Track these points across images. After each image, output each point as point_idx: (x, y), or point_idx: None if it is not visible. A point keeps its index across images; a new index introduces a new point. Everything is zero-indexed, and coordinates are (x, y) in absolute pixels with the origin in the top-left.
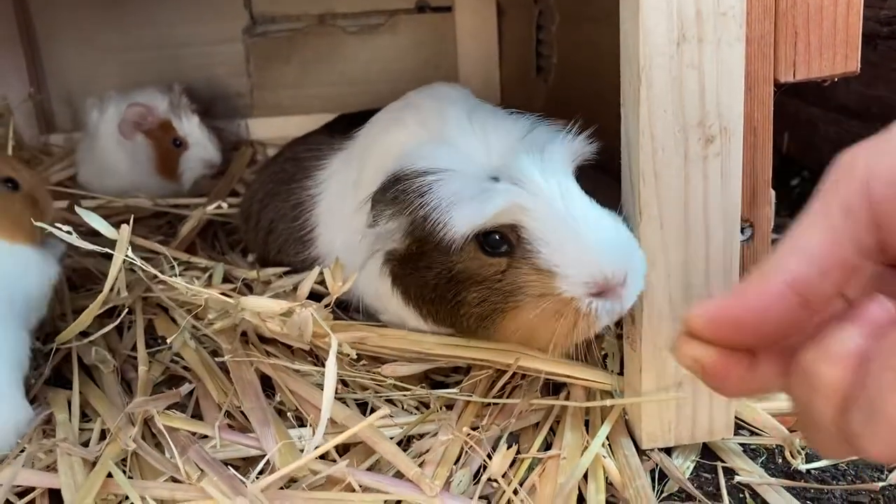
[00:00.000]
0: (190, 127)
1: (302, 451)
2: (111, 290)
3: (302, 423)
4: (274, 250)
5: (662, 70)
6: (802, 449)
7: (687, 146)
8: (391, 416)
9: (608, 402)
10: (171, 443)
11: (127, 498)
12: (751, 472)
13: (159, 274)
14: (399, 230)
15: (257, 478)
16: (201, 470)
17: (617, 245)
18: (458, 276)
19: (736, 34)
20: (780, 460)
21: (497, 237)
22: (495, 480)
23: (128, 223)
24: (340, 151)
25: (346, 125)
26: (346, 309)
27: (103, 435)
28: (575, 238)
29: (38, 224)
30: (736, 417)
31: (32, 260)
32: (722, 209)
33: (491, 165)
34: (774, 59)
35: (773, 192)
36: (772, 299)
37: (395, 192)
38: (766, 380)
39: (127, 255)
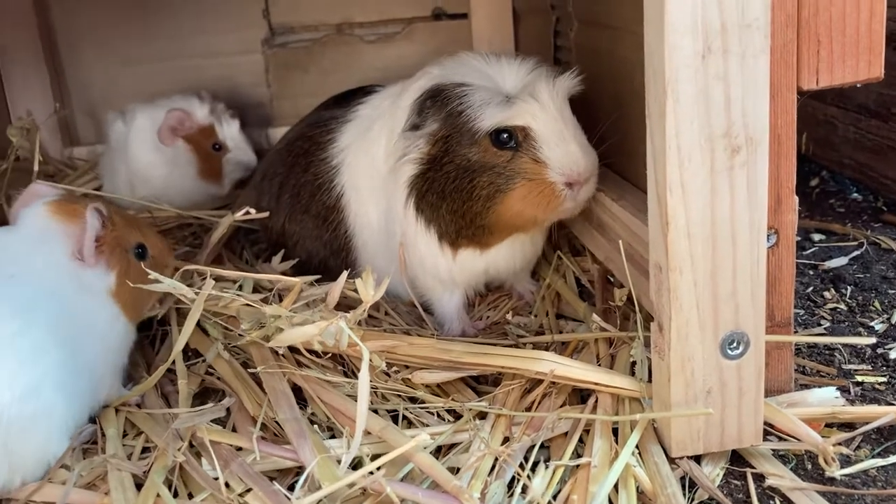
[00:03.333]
0: (230, 131)
1: (339, 462)
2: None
3: (333, 433)
4: (296, 220)
5: (688, 83)
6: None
7: (713, 157)
8: (430, 437)
9: (637, 416)
10: (214, 457)
11: None
12: (781, 477)
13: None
14: (430, 135)
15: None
16: (245, 484)
17: (588, 156)
18: (473, 164)
19: (761, 45)
20: (810, 466)
21: (506, 135)
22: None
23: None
24: (349, 123)
25: (341, 101)
26: None
27: (144, 449)
28: (565, 144)
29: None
30: (765, 423)
31: (130, 331)
32: (748, 218)
33: (506, 89)
34: (797, 67)
35: (796, 199)
36: None
37: (440, 98)
38: None
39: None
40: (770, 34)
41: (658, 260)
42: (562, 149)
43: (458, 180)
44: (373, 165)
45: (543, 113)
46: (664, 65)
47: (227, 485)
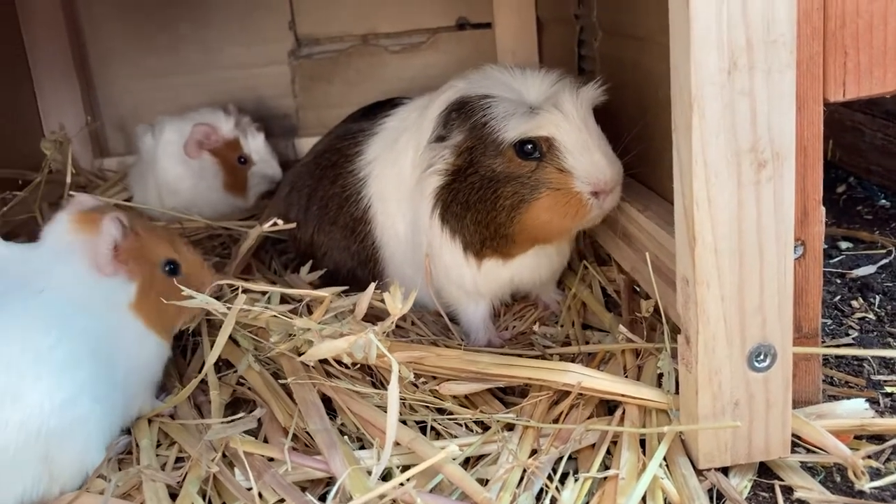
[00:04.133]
0: (255, 144)
1: (369, 473)
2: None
3: (363, 443)
4: (324, 231)
5: (714, 98)
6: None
7: (740, 171)
8: (459, 448)
9: (665, 429)
10: (248, 467)
11: None
12: (810, 490)
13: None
14: (455, 146)
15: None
16: (277, 494)
17: (613, 165)
18: (498, 175)
19: (786, 61)
20: (839, 478)
21: (531, 146)
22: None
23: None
24: (376, 136)
25: (364, 115)
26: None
27: (178, 459)
28: (590, 153)
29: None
30: (793, 435)
31: (161, 348)
32: (775, 232)
33: (530, 100)
34: (824, 79)
35: (823, 210)
36: None
37: (465, 109)
38: None
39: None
40: (796, 48)
41: (685, 273)
42: (587, 158)
43: (483, 191)
44: (399, 177)
45: (567, 123)
46: (690, 81)
47: (260, 495)
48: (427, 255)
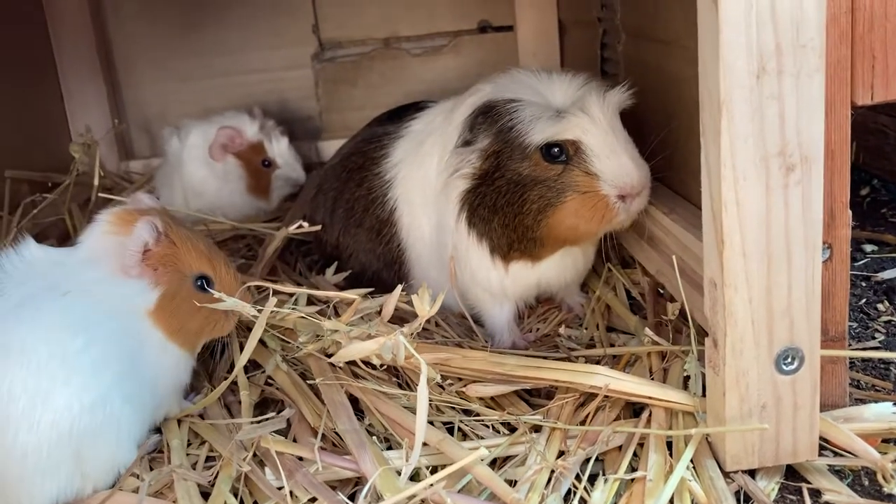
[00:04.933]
0: (279, 148)
1: (398, 473)
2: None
3: (390, 444)
4: (350, 235)
5: (743, 102)
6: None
7: (768, 175)
8: (486, 449)
9: (693, 431)
10: (280, 467)
11: None
12: (838, 493)
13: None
14: (482, 150)
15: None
16: (309, 493)
17: (640, 168)
18: (524, 178)
19: (816, 65)
20: (867, 482)
21: (557, 149)
22: None
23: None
24: (401, 139)
25: (389, 118)
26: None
27: (208, 458)
28: (616, 156)
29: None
30: (820, 438)
31: (183, 359)
32: (803, 235)
33: (556, 104)
34: (851, 83)
35: (850, 213)
36: None
37: (491, 114)
38: None
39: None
40: (824, 52)
41: (713, 276)
42: (613, 161)
43: (510, 194)
44: (425, 180)
45: (594, 126)
46: (719, 85)
47: (291, 494)
48: (452, 257)
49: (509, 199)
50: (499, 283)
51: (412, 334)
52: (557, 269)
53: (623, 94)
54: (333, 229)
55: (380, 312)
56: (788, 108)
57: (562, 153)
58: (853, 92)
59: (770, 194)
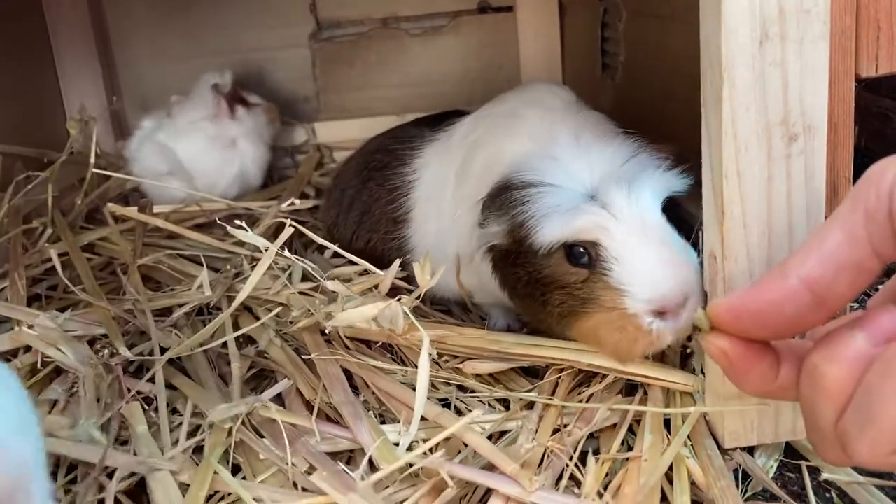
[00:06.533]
0: None
1: (396, 445)
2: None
3: (384, 420)
4: (364, 232)
5: (745, 69)
6: None
7: (770, 145)
8: (480, 415)
9: (691, 409)
10: (284, 434)
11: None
12: (837, 470)
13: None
14: (502, 232)
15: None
16: (308, 463)
17: (680, 271)
18: (544, 279)
19: (820, 31)
20: None
21: (581, 250)
22: (578, 482)
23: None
24: (435, 142)
25: (431, 121)
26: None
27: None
28: (643, 262)
29: None
30: None
31: None
32: (805, 207)
33: (592, 184)
34: (856, 54)
35: (853, 189)
36: (787, 294)
37: (503, 199)
38: (786, 383)
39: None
40: (829, 17)
41: (713, 249)
42: (640, 270)
43: (531, 288)
44: (439, 200)
45: (617, 225)
46: (721, 51)
47: (292, 464)
48: (458, 255)
49: (531, 294)
50: (509, 301)
51: (412, 305)
52: None
53: (670, 175)
54: (347, 228)
55: (377, 287)
56: (791, 76)
57: (585, 255)
58: (857, 63)
59: (772, 164)
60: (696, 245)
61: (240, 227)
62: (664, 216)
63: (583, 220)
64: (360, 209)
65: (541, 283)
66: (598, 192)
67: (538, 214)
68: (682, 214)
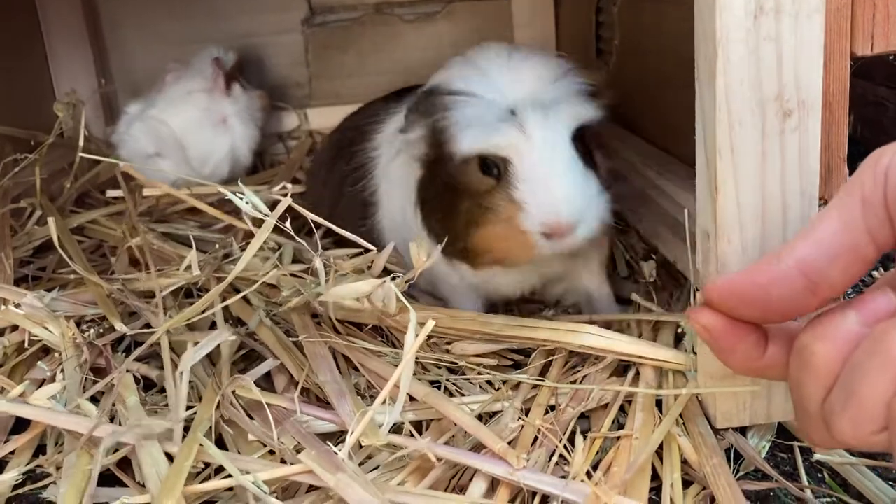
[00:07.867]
0: None
1: (381, 425)
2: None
3: (373, 401)
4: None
5: (739, 43)
6: None
7: (764, 120)
8: (464, 395)
9: (683, 391)
10: (269, 415)
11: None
12: (830, 451)
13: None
14: (424, 138)
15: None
16: (296, 442)
17: (574, 202)
18: (458, 185)
19: (815, 5)
20: None
21: (493, 163)
22: (567, 461)
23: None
24: (398, 114)
25: (398, 94)
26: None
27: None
28: (544, 187)
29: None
30: None
31: None
32: (799, 184)
33: (514, 99)
34: (851, 32)
35: (847, 170)
36: (779, 278)
37: (427, 104)
38: (773, 362)
39: (281, 225)
40: None
41: (706, 227)
42: (540, 193)
43: (443, 195)
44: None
45: (528, 146)
46: (715, 25)
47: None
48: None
49: (442, 201)
50: (457, 281)
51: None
52: (508, 281)
53: (585, 105)
54: (324, 204)
55: (370, 268)
56: (786, 50)
57: (495, 167)
58: (853, 42)
59: (766, 140)
60: (599, 175)
61: (239, 192)
62: (575, 144)
63: (498, 138)
64: (331, 192)
65: (455, 190)
66: (518, 108)
67: (460, 124)
68: (602, 142)
